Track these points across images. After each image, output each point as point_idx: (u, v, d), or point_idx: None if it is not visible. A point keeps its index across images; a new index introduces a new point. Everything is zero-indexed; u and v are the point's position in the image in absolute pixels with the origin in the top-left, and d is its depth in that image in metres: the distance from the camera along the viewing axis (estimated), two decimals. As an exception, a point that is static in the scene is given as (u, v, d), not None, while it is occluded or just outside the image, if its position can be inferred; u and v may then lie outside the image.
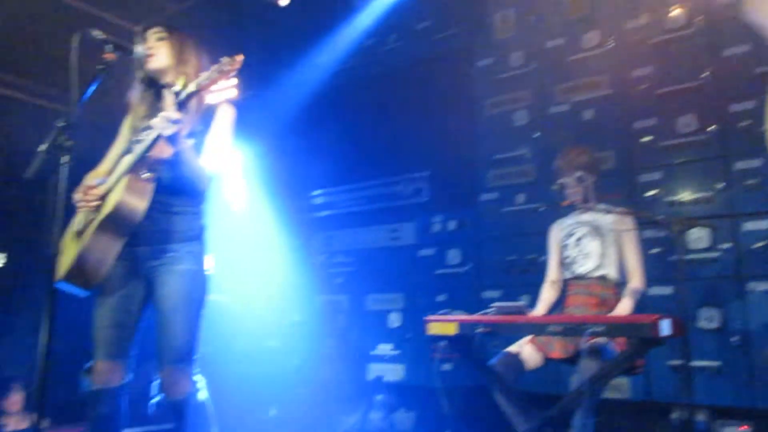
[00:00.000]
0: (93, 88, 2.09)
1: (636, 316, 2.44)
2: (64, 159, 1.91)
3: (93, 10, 4.35)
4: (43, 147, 1.89)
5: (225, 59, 2.11)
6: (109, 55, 2.16)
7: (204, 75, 2.14)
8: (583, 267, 2.97)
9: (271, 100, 5.34)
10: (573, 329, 2.34)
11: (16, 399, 4.36)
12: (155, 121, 2.10)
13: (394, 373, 4.65)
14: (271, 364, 5.06)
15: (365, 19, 4.97)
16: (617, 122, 3.90)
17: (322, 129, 5.46)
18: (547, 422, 2.56)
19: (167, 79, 2.38)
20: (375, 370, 4.76)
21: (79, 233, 2.26)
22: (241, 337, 5.10)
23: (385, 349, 4.75)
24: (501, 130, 4.37)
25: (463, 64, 4.65)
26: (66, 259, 2.22)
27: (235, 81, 5.25)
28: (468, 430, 3.59)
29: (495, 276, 4.24)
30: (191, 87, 2.16)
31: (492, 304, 2.71)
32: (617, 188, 3.70)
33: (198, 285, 2.31)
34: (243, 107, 2.57)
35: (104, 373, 2.24)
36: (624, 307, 2.82)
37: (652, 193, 3.66)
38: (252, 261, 5.29)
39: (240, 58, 2.13)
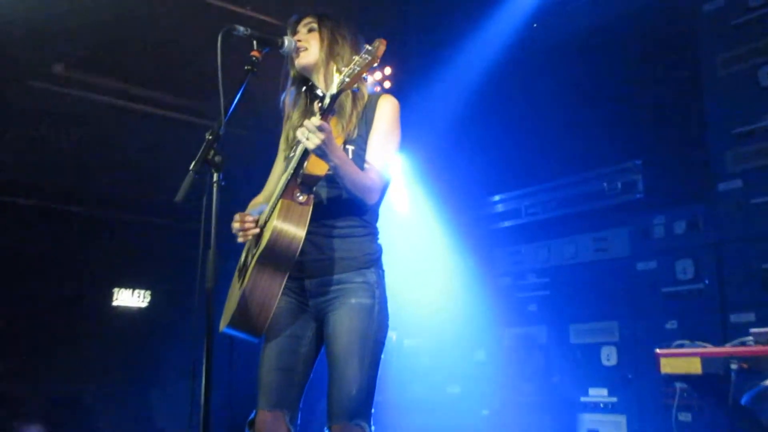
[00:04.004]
0: (241, 92, 2.20)
1: None
2: (215, 177, 2.03)
3: (237, 8, 4.74)
4: (192, 165, 2.00)
5: (367, 47, 2.09)
6: (256, 53, 2.27)
7: (345, 71, 2.12)
8: None
9: (437, 95, 5.45)
10: None
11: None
12: (299, 132, 2.14)
13: (613, 425, 4.52)
14: (453, 414, 5.12)
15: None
16: None
17: (496, 120, 5.46)
18: None
19: (318, 76, 2.47)
20: (587, 421, 4.66)
21: (241, 271, 2.41)
22: (416, 381, 5.22)
23: (598, 394, 4.63)
24: (742, 93, 4.09)
25: (683, 13, 4.44)
26: (231, 303, 2.36)
27: (388, 71, 5.44)
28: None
29: (745, 293, 3.97)
30: (333, 88, 2.16)
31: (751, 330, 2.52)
32: None
33: (375, 322, 2.34)
34: (405, 106, 2.60)
35: (267, 424, 2.31)
36: None
37: None
38: (422, 287, 5.39)
39: (383, 43, 2.09)
